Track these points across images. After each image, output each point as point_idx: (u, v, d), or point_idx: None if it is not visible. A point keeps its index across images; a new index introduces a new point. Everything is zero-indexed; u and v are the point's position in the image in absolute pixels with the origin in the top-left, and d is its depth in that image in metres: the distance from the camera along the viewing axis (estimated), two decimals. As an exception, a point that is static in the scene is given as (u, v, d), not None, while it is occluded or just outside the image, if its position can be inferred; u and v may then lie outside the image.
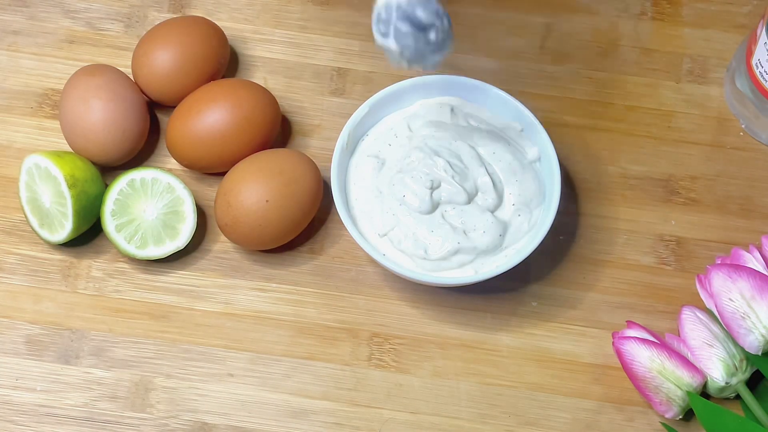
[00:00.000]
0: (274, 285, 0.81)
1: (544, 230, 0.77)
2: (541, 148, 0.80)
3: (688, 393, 0.75)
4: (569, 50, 0.89)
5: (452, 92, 0.82)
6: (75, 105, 0.81)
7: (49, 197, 0.79)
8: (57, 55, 0.87)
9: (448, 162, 0.78)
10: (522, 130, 0.81)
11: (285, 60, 0.88)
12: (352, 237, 0.77)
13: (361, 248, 0.77)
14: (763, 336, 0.74)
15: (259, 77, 0.87)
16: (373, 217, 0.78)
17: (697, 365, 0.76)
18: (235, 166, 0.80)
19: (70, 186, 0.78)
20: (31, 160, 0.80)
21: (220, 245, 0.82)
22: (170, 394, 0.78)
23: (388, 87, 0.81)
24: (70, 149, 0.82)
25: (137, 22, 0.89)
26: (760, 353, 0.75)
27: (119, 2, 0.89)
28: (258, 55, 0.88)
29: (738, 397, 0.77)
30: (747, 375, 0.76)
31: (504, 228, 0.78)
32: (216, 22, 0.85)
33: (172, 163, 0.84)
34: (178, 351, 0.79)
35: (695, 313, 0.77)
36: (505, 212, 0.78)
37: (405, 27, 0.70)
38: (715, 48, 0.89)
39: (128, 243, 0.79)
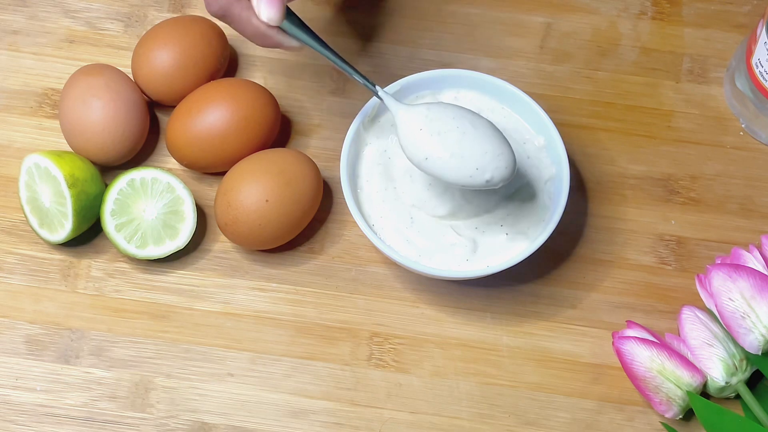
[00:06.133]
0: (274, 285, 0.81)
1: (537, 244, 0.77)
2: (557, 167, 0.79)
3: (688, 393, 0.75)
4: (569, 50, 0.89)
5: (488, 91, 0.81)
6: (75, 105, 0.81)
7: (49, 197, 0.79)
8: (57, 55, 0.87)
9: None
10: (544, 146, 0.80)
11: (285, 60, 0.88)
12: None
13: (358, 225, 0.77)
14: (763, 336, 0.74)
15: (259, 77, 0.87)
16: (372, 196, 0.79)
17: (697, 365, 0.76)
18: (235, 166, 0.80)
19: (70, 186, 0.78)
20: (31, 160, 0.80)
21: (220, 245, 0.82)
22: (170, 394, 0.78)
23: (430, 71, 0.80)
24: (70, 149, 0.82)
25: (137, 21, 0.89)
26: (760, 353, 0.75)
27: (119, 2, 0.89)
28: (258, 55, 0.88)
29: (738, 397, 0.77)
30: (747, 375, 0.76)
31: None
32: (216, 22, 0.85)
33: (172, 163, 0.84)
34: (178, 351, 0.79)
35: (695, 313, 0.77)
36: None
37: None
38: (715, 48, 0.89)
39: (128, 243, 0.79)
